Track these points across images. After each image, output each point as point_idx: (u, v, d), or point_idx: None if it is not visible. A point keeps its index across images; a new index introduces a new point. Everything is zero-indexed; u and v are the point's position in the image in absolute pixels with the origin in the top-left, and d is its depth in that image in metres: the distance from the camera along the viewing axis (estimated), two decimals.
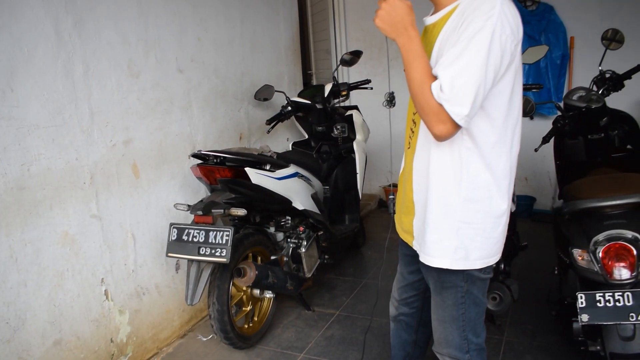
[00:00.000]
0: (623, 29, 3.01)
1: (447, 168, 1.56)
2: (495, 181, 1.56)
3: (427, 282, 1.81)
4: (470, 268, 1.63)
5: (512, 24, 1.40)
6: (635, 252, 2.06)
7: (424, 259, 1.66)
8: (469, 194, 1.56)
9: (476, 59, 1.35)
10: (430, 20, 1.62)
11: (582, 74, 4.49)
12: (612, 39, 3.00)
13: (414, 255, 1.80)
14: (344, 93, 3.80)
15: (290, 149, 3.94)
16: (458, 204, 1.57)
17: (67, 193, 2.47)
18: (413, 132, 1.68)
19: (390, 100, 1.69)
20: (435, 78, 1.42)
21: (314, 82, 5.70)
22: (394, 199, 1.82)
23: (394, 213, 1.69)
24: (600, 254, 2.11)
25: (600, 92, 2.92)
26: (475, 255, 1.62)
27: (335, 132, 3.77)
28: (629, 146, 2.95)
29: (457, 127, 1.42)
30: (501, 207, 1.60)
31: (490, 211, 1.59)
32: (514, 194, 2.87)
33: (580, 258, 2.21)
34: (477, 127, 1.49)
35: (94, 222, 2.62)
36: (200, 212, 2.65)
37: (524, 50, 2.90)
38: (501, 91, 1.47)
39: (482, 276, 1.68)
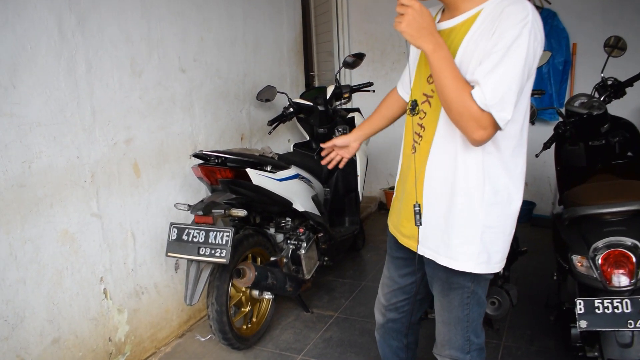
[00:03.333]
0: (625, 37, 3.01)
1: (472, 173, 1.57)
2: (513, 183, 1.61)
3: (430, 284, 1.81)
4: (491, 272, 1.66)
5: (541, 31, 1.44)
6: (634, 259, 2.06)
7: (448, 262, 1.65)
8: (491, 198, 1.58)
9: (516, 65, 1.38)
10: (447, 24, 1.58)
11: (583, 81, 4.49)
12: (615, 46, 3.00)
13: (408, 258, 1.84)
14: (346, 95, 3.80)
15: (292, 150, 3.94)
16: (482, 208, 1.59)
17: (67, 191, 2.47)
18: (421, 136, 1.66)
19: (413, 109, 1.68)
20: (468, 84, 1.43)
21: (316, 84, 5.70)
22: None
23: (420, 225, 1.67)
24: (600, 261, 2.11)
25: (601, 99, 2.93)
26: (496, 258, 1.66)
27: (337, 134, 3.77)
28: (629, 153, 2.95)
29: (495, 132, 1.45)
30: (517, 208, 1.65)
31: (509, 214, 1.64)
32: None
33: (579, 264, 2.21)
34: (502, 131, 1.49)
35: (94, 220, 2.62)
36: (200, 212, 2.65)
37: None
38: (524, 94, 1.50)
39: (487, 276, 1.72)
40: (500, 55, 1.38)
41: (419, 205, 1.60)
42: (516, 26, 1.37)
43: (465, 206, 1.59)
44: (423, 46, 1.43)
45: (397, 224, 1.82)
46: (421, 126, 1.66)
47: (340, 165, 2.16)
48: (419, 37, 1.42)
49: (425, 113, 1.65)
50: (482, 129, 1.42)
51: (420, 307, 2.03)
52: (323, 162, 2.16)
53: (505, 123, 1.42)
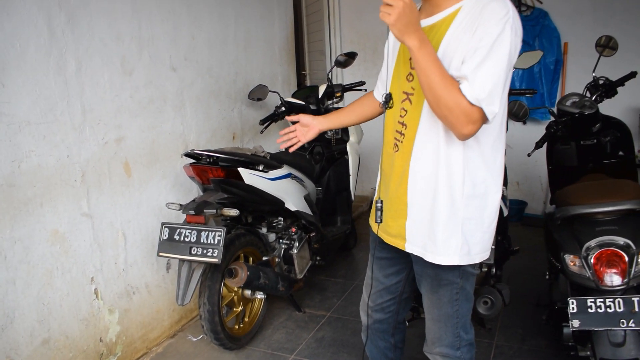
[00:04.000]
0: (616, 36, 3.02)
1: (454, 168, 1.58)
2: (491, 176, 1.63)
3: (418, 283, 1.81)
4: (472, 263, 1.68)
5: (520, 26, 1.49)
6: (626, 258, 2.07)
7: (433, 258, 1.66)
8: (470, 190, 1.60)
9: (501, 60, 1.43)
10: (427, 22, 1.59)
11: (575, 80, 4.51)
12: (606, 46, 3.01)
13: (392, 258, 1.86)
14: (338, 94, 3.80)
15: (284, 149, 3.92)
16: (462, 200, 1.61)
17: (57, 191, 2.44)
18: (403, 134, 1.66)
19: (387, 102, 1.67)
20: (454, 79, 1.44)
21: (308, 83, 5.69)
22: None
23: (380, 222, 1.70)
24: (592, 260, 2.12)
25: (593, 98, 2.94)
26: (476, 249, 1.67)
27: (329, 133, 3.76)
28: (620, 152, 2.97)
29: (481, 126, 1.48)
30: (496, 202, 1.67)
31: (487, 206, 1.65)
32: (506, 198, 2.88)
33: (572, 264, 2.21)
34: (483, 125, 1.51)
35: (85, 220, 2.60)
36: (192, 212, 2.64)
37: (518, 55, 2.90)
38: (505, 89, 1.52)
39: (474, 272, 1.75)
40: (486, 51, 1.41)
41: (381, 202, 1.67)
42: (499, 23, 1.41)
43: (447, 200, 1.61)
44: (409, 42, 1.42)
45: (383, 224, 1.79)
46: (402, 124, 1.66)
47: (291, 150, 2.13)
48: (406, 31, 1.41)
49: (406, 111, 1.65)
50: (471, 124, 1.44)
51: (405, 306, 2.03)
52: (278, 141, 2.15)
53: (494, 116, 1.45)
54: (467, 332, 1.81)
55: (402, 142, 1.67)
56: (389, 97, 1.66)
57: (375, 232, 1.84)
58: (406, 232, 1.71)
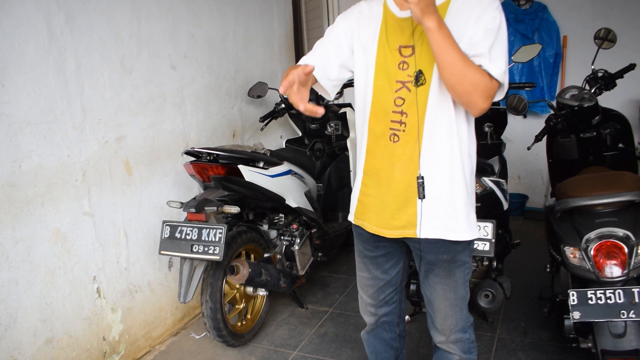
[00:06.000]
0: (615, 29, 3.02)
1: (463, 142, 1.66)
2: (473, 147, 1.73)
3: (427, 271, 1.77)
4: (476, 236, 1.77)
5: None
6: (626, 250, 2.08)
7: (459, 236, 1.69)
8: (467, 162, 1.69)
9: (505, 43, 1.56)
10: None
11: (574, 73, 4.51)
12: (605, 38, 3.00)
13: (388, 252, 1.86)
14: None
15: (284, 146, 3.93)
16: (469, 174, 1.70)
17: (58, 190, 2.45)
18: (404, 123, 1.65)
19: (418, 79, 1.64)
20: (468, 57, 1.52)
21: None
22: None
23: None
24: (592, 252, 2.12)
25: (592, 91, 2.93)
26: (474, 221, 1.75)
27: (329, 129, 3.77)
28: (620, 145, 2.97)
29: None
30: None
31: (474, 179, 1.76)
32: (506, 192, 2.89)
33: (572, 256, 2.22)
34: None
35: (86, 219, 2.60)
36: (193, 210, 2.64)
37: (517, 49, 2.91)
38: None
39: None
40: (495, 33, 1.53)
41: (422, 178, 1.60)
42: (496, 10, 1.54)
43: (462, 176, 1.67)
44: (429, 22, 1.43)
45: (384, 220, 1.75)
46: (401, 113, 1.65)
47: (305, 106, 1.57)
48: (427, 11, 1.42)
49: (403, 99, 1.64)
50: (490, 97, 1.54)
51: (403, 294, 2.03)
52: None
53: (504, 90, 1.58)
54: (469, 313, 1.86)
55: (403, 130, 1.66)
56: (419, 74, 1.61)
57: (368, 230, 1.80)
58: (418, 218, 1.68)
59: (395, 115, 1.67)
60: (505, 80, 1.55)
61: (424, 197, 1.61)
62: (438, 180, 1.66)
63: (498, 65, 1.52)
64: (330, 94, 1.83)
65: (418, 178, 1.60)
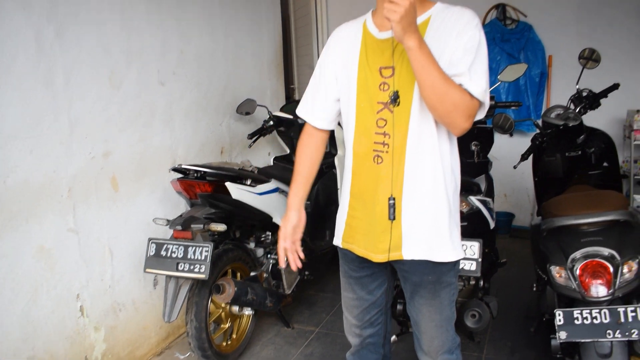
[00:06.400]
0: (599, 48, 3.06)
1: (445, 161, 1.67)
2: (457, 166, 1.74)
3: (413, 293, 1.77)
4: (462, 257, 1.76)
5: None
6: (611, 269, 2.08)
7: (444, 256, 1.68)
8: (453, 183, 1.70)
9: (485, 61, 1.56)
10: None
11: (560, 92, 4.57)
12: (589, 58, 3.05)
13: (373, 273, 1.83)
14: None
15: (272, 163, 3.93)
16: (451, 193, 1.70)
17: (43, 206, 2.42)
18: (387, 144, 1.65)
19: (395, 99, 1.64)
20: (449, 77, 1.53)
21: (297, 97, 5.70)
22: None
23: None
24: (578, 271, 2.13)
25: (577, 110, 2.97)
26: (459, 240, 1.75)
27: None
28: (605, 163, 2.99)
29: None
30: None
31: (458, 198, 1.75)
32: (492, 211, 2.90)
33: (558, 275, 2.22)
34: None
35: (71, 236, 2.57)
36: (179, 227, 2.63)
37: (504, 68, 2.95)
38: None
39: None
40: (475, 52, 1.53)
41: (394, 199, 1.63)
42: (475, 28, 1.55)
43: (443, 194, 1.66)
44: (410, 41, 1.44)
45: (370, 242, 1.74)
46: (384, 134, 1.65)
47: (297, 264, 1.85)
48: (409, 30, 1.43)
49: (385, 120, 1.64)
50: (471, 117, 1.55)
51: (388, 316, 2.01)
52: (284, 265, 1.86)
53: (486, 109, 1.57)
54: (456, 334, 1.85)
55: (387, 151, 1.65)
56: (396, 95, 1.61)
57: (358, 254, 1.78)
58: (403, 240, 1.68)
59: (378, 137, 1.67)
60: (486, 99, 1.55)
61: (394, 218, 1.63)
62: (421, 200, 1.66)
63: (478, 84, 1.52)
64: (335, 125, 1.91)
65: (389, 199, 1.63)
